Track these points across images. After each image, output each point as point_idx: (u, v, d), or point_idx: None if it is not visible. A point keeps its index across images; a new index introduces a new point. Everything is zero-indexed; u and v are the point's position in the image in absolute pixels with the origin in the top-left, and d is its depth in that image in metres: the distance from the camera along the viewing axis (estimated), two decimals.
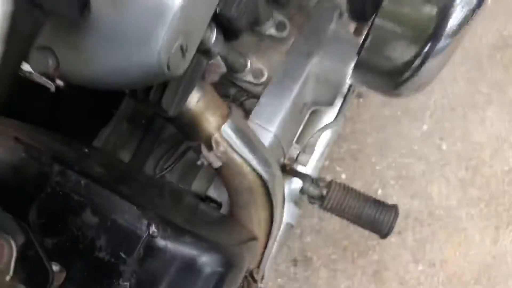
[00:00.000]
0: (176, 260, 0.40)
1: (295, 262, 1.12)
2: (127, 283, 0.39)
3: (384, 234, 0.77)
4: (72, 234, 0.39)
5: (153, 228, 0.39)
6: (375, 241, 1.14)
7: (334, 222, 1.14)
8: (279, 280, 1.09)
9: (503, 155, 1.24)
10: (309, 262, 1.11)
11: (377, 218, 0.74)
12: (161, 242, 0.39)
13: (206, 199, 0.62)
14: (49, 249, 0.39)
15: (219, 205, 0.62)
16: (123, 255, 0.39)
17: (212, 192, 0.62)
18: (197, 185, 0.64)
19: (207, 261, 0.41)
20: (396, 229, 1.14)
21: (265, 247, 0.60)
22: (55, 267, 0.37)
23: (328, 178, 1.24)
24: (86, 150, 0.52)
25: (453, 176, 1.22)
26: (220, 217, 0.58)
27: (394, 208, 0.76)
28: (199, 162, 0.54)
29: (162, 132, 0.67)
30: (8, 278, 0.35)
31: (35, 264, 0.36)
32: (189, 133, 0.53)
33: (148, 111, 0.66)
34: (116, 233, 0.39)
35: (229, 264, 0.42)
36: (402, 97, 0.53)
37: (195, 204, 0.58)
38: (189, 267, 0.40)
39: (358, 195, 0.76)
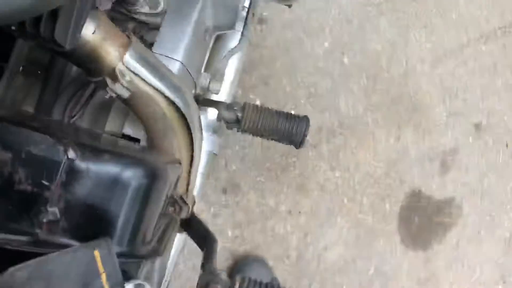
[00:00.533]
0: (100, 178, 0.41)
1: (224, 190, 1.17)
2: (55, 208, 0.39)
3: (299, 144, 0.82)
4: None
5: (70, 152, 0.40)
6: (294, 158, 1.22)
7: (255, 148, 1.20)
8: (212, 209, 1.13)
9: (398, 60, 1.34)
10: (237, 188, 1.17)
11: (290, 129, 0.79)
12: (81, 164, 0.40)
13: (123, 137, 0.61)
14: None
15: (137, 141, 0.61)
16: (45, 183, 0.39)
17: (128, 130, 0.61)
18: (111, 126, 0.62)
19: (130, 175, 0.42)
20: (311, 143, 1.23)
21: (190, 172, 0.61)
22: None
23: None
24: None
25: (357, 86, 1.31)
26: (141, 147, 0.58)
27: (305, 118, 0.81)
28: (107, 96, 0.52)
29: (63, 79, 0.65)
30: None
31: None
32: (90, 68, 0.51)
33: (43, 59, 0.63)
34: (33, 163, 0.39)
35: (153, 176, 0.43)
36: None
37: (114, 140, 0.58)
38: (113, 183, 0.41)
39: (271, 112, 0.79)
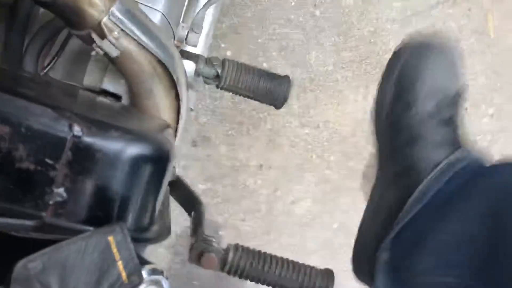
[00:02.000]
0: (108, 156, 0.38)
1: (194, 143, 1.14)
2: (61, 188, 0.37)
3: (279, 104, 0.81)
4: None
5: (76, 128, 0.37)
6: (266, 112, 1.21)
7: (226, 101, 1.17)
8: (182, 162, 1.11)
9: (368, 17, 1.34)
10: (208, 141, 1.15)
11: (272, 90, 0.78)
12: (88, 141, 0.37)
13: (103, 93, 0.58)
14: None
15: (118, 98, 0.58)
16: (49, 161, 0.36)
17: (108, 85, 0.58)
18: (89, 80, 0.58)
19: (138, 151, 0.40)
20: None
21: (175, 133, 0.59)
22: None
23: (215, 55, 1.24)
24: None
25: (328, 41, 1.30)
26: (127, 108, 0.55)
27: (286, 78, 0.80)
28: (93, 53, 0.49)
29: (31, 21, 0.59)
30: None
31: None
32: (73, 21, 0.47)
33: None
34: (36, 139, 0.36)
35: (160, 152, 0.42)
36: None
37: (93, 98, 0.55)
38: (122, 160, 0.39)
39: (251, 70, 0.78)
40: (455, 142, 0.66)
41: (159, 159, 0.42)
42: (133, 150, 0.39)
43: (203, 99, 1.15)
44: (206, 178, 1.13)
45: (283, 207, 1.18)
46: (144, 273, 0.39)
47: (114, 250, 0.37)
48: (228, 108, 1.17)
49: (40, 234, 0.37)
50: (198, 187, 1.13)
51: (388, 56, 1.31)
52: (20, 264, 0.34)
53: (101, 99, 0.54)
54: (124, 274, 0.37)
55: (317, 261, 0.76)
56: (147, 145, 0.41)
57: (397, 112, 0.70)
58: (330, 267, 0.68)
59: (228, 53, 1.23)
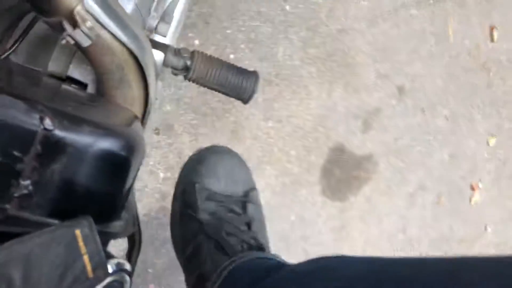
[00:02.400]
0: (77, 150, 0.38)
1: (157, 131, 1.14)
2: (28, 181, 0.36)
3: (246, 100, 0.82)
4: None
5: (47, 121, 0.36)
6: (231, 104, 1.21)
7: (191, 90, 1.17)
8: None
9: (337, 14, 1.36)
10: (171, 129, 1.15)
11: (240, 85, 0.79)
12: (58, 135, 0.37)
13: (68, 80, 0.56)
14: None
15: (84, 86, 0.57)
16: (17, 154, 0.35)
17: (74, 72, 0.56)
18: (54, 66, 0.56)
19: (110, 147, 0.40)
20: None
21: (142, 124, 0.59)
22: None
23: (183, 45, 1.23)
24: None
25: (296, 37, 1.31)
26: (94, 98, 0.54)
27: (255, 74, 0.81)
28: (63, 42, 0.47)
29: None
30: None
31: None
32: (43, 7, 0.46)
33: None
34: (4, 131, 0.35)
35: (129, 147, 0.42)
36: None
37: (58, 86, 0.54)
38: (91, 155, 0.39)
39: (220, 63, 0.78)
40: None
41: (128, 154, 0.42)
42: (103, 144, 0.39)
43: (168, 88, 1.15)
44: (167, 167, 1.13)
45: None
46: (110, 268, 0.39)
47: (81, 244, 0.36)
48: (193, 98, 1.17)
49: (3, 226, 0.37)
50: (159, 176, 1.13)
51: (353, 54, 1.35)
52: None
53: (67, 87, 0.53)
54: (89, 268, 0.37)
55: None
56: (117, 140, 0.41)
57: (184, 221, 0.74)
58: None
59: (196, 42, 1.22)
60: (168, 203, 1.12)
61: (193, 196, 0.75)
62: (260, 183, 1.23)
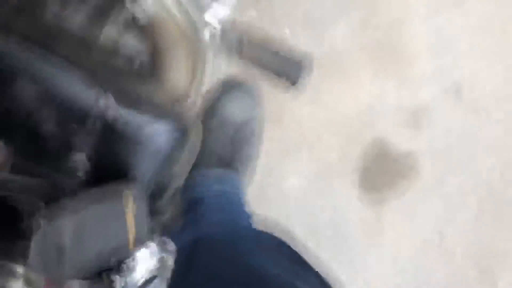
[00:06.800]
0: (134, 129, 0.38)
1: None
2: (83, 154, 0.36)
3: (294, 81, 0.80)
4: (4, 106, 0.34)
5: (106, 97, 0.36)
6: (275, 84, 1.16)
7: (237, 68, 1.13)
8: None
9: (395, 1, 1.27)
10: None
11: (289, 66, 0.75)
12: (115, 113, 0.36)
13: (120, 50, 0.56)
14: None
15: (135, 59, 0.56)
16: (74, 126, 0.36)
17: (127, 39, 0.54)
18: (109, 30, 0.55)
19: (164, 129, 0.39)
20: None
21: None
22: None
23: (239, 17, 1.18)
24: None
25: (354, 20, 1.24)
26: (146, 74, 0.53)
27: (307, 56, 0.78)
28: (122, 16, 0.48)
29: None
30: None
31: None
32: None
33: None
34: (62, 104, 0.35)
35: (185, 131, 0.41)
36: None
37: (111, 58, 0.53)
38: (145, 136, 0.38)
39: (271, 43, 0.76)
40: None
41: (181, 135, 0.41)
42: (158, 125, 0.39)
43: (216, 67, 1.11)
44: None
45: (275, 181, 1.16)
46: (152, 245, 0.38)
47: (128, 210, 0.35)
48: (239, 76, 1.13)
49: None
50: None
51: (409, 44, 1.27)
52: (56, 222, 0.33)
53: (119, 60, 0.52)
54: (132, 239, 0.36)
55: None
56: (172, 121, 0.40)
57: None
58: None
59: (253, 13, 1.18)
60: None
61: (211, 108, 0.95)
62: (293, 168, 1.19)
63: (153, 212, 0.41)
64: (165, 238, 0.39)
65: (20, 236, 0.36)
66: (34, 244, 0.32)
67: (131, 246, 0.36)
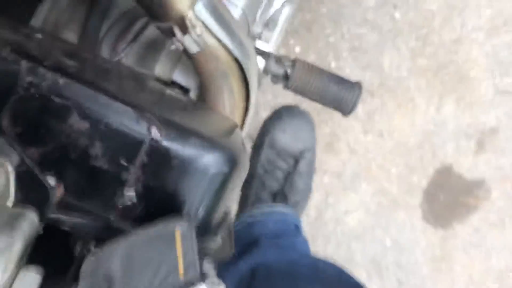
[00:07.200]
0: (183, 162, 0.37)
1: (251, 138, 1.12)
2: (132, 192, 0.36)
3: (347, 112, 0.77)
4: (59, 142, 0.34)
5: (154, 131, 0.35)
6: (327, 115, 1.15)
7: (288, 98, 1.13)
8: None
9: (452, 24, 1.24)
10: None
11: (341, 96, 0.74)
12: (165, 146, 0.36)
13: (172, 84, 0.56)
14: (36, 162, 0.34)
15: (186, 91, 0.57)
16: (124, 163, 0.35)
17: (178, 77, 0.56)
18: (161, 69, 0.57)
19: (214, 159, 0.38)
20: None
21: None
22: (51, 181, 0.33)
23: (283, 52, 1.20)
24: (40, 36, 0.44)
25: (404, 46, 1.22)
26: (197, 105, 0.54)
27: (358, 85, 0.76)
28: (173, 47, 0.48)
29: (112, 7, 0.59)
30: (9, 203, 0.30)
31: (29, 181, 0.32)
32: (157, 12, 0.46)
33: None
34: (113, 139, 0.35)
35: (235, 163, 0.40)
36: None
37: (163, 91, 0.54)
38: (196, 168, 0.37)
39: (322, 73, 0.74)
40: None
41: (232, 167, 0.40)
42: (208, 158, 0.38)
43: (265, 95, 1.12)
44: None
45: (334, 214, 1.13)
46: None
47: (178, 244, 0.34)
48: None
49: (103, 235, 0.36)
50: None
51: (469, 67, 1.22)
52: (105, 250, 0.33)
53: (171, 92, 0.54)
54: (181, 269, 0.35)
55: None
56: (222, 153, 0.39)
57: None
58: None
59: (297, 50, 1.19)
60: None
61: (262, 139, 0.95)
62: (353, 200, 1.15)
63: (204, 248, 0.40)
64: (216, 279, 0.37)
65: (70, 265, 0.36)
66: (84, 273, 0.32)
67: (181, 276, 0.34)
